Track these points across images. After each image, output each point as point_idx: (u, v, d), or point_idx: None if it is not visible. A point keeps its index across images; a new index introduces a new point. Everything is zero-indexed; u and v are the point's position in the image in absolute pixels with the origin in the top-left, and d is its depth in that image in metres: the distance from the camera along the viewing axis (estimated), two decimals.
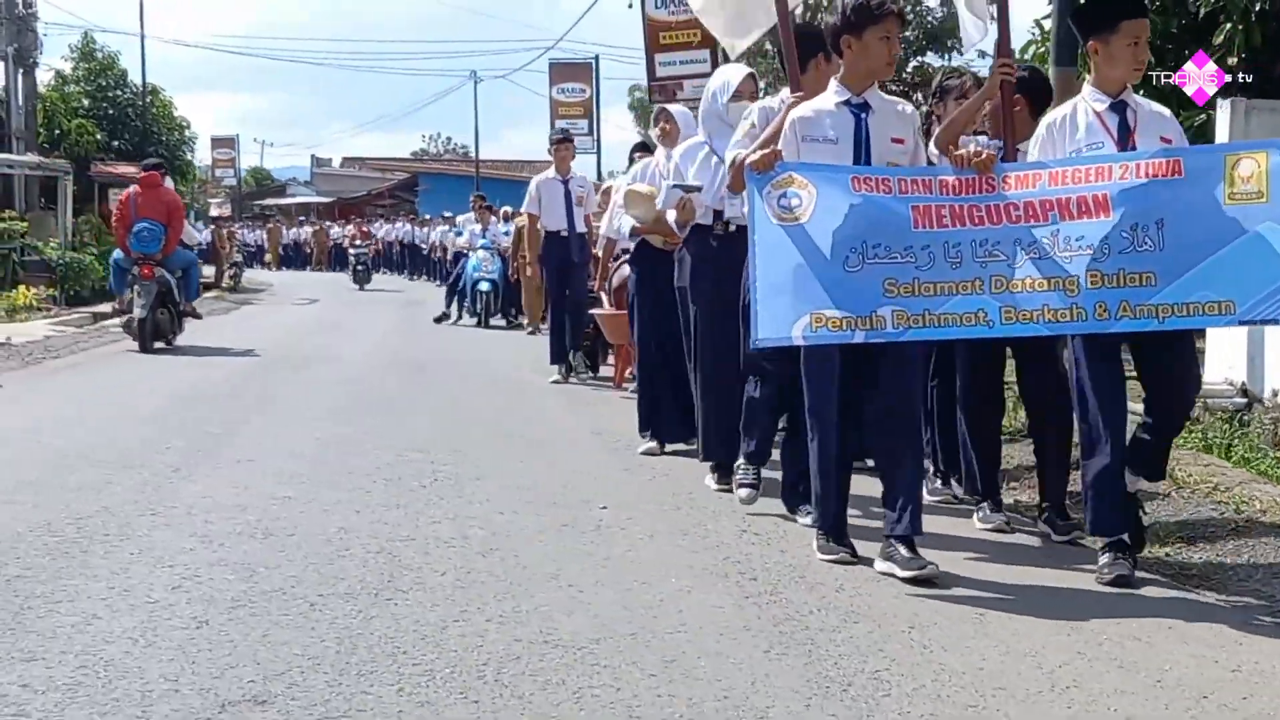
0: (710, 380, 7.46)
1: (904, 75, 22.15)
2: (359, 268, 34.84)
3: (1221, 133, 9.94)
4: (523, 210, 14.10)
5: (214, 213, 61.32)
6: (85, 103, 36.28)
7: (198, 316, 17.32)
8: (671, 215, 7.48)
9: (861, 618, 5.01)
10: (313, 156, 74.89)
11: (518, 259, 19.11)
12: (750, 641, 4.69)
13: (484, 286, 21.11)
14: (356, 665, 4.31)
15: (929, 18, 21.92)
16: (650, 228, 8.23)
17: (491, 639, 4.62)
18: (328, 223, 53.94)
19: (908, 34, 22.51)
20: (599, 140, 43.29)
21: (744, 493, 6.87)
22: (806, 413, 5.89)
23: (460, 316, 21.74)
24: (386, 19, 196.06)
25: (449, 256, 29.89)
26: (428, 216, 41.20)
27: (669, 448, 8.78)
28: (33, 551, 5.73)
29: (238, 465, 8.03)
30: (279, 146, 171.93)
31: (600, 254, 12.22)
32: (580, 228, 13.27)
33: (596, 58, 43.31)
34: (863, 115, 5.79)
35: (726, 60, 28.23)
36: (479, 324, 20.95)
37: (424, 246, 38.66)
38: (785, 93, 6.52)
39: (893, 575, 5.53)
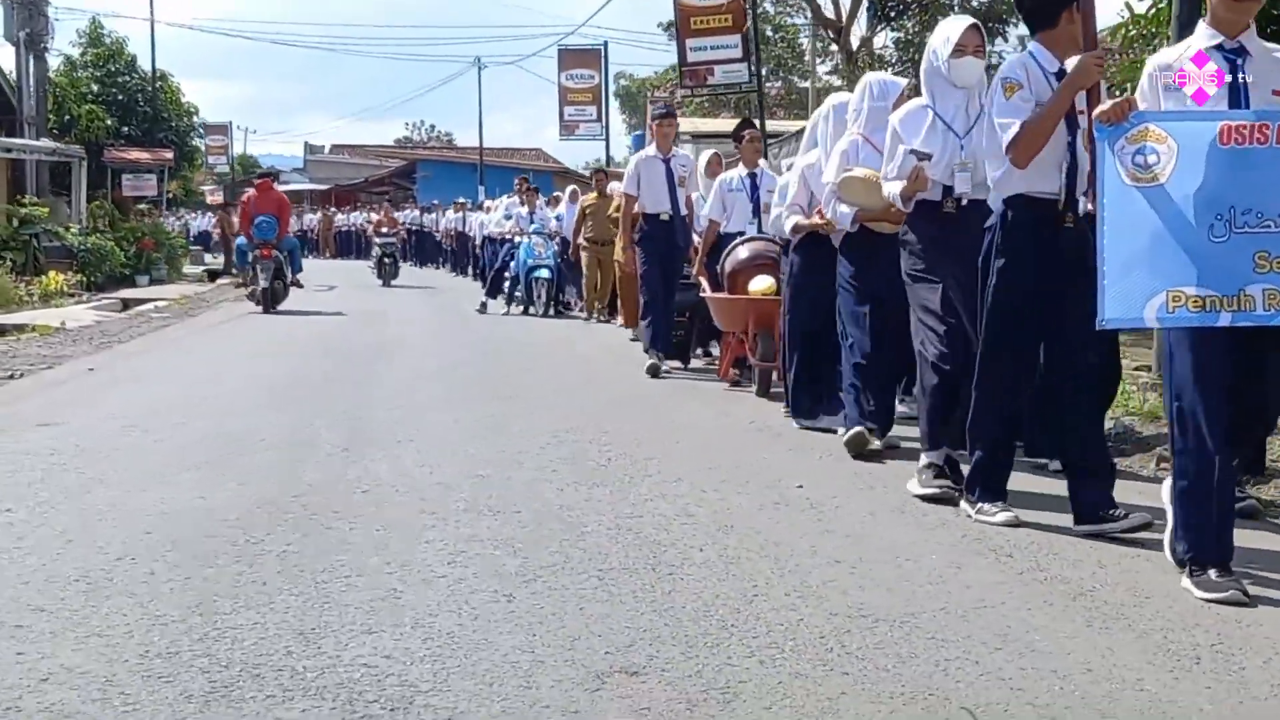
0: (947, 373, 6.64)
1: None
2: (386, 259, 29.82)
3: None
4: (621, 190, 13.21)
5: (209, 200, 61.13)
6: (94, 88, 35.97)
7: (300, 286, 21.37)
8: (896, 187, 6.79)
9: (1152, 594, 4.98)
10: (306, 144, 74.80)
11: (578, 242, 19.03)
12: (1063, 615, 4.67)
13: (543, 274, 20.25)
14: (698, 637, 4.27)
15: (974, 1, 21.67)
16: (878, 214, 7.58)
17: (807, 613, 4.58)
18: (332, 209, 53.68)
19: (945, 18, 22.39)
20: (607, 126, 43.27)
21: (1004, 516, 6.06)
22: (1180, 420, 5.08)
23: (509, 306, 20.92)
24: (376, 4, 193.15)
25: (476, 243, 29.71)
26: (435, 202, 41.00)
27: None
28: (279, 528, 5.68)
29: (400, 445, 7.96)
30: (263, 134, 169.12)
31: (701, 238, 12.07)
32: (684, 209, 12.49)
33: (605, 44, 43.30)
34: (1238, 61, 5.07)
35: (758, 44, 28.06)
36: (524, 312, 20.49)
37: (438, 234, 38.33)
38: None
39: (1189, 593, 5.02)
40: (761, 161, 11.83)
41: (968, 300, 6.43)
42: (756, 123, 14.05)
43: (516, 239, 20.95)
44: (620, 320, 17.41)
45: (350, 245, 49.76)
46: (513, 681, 3.82)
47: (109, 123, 34.12)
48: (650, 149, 12.68)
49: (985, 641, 4.32)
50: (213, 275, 33.34)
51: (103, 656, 3.95)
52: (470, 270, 33.30)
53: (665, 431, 8.84)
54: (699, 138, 39.13)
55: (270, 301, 19.81)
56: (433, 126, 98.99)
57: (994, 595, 4.91)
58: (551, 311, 20.43)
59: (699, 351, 13.56)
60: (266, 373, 12.01)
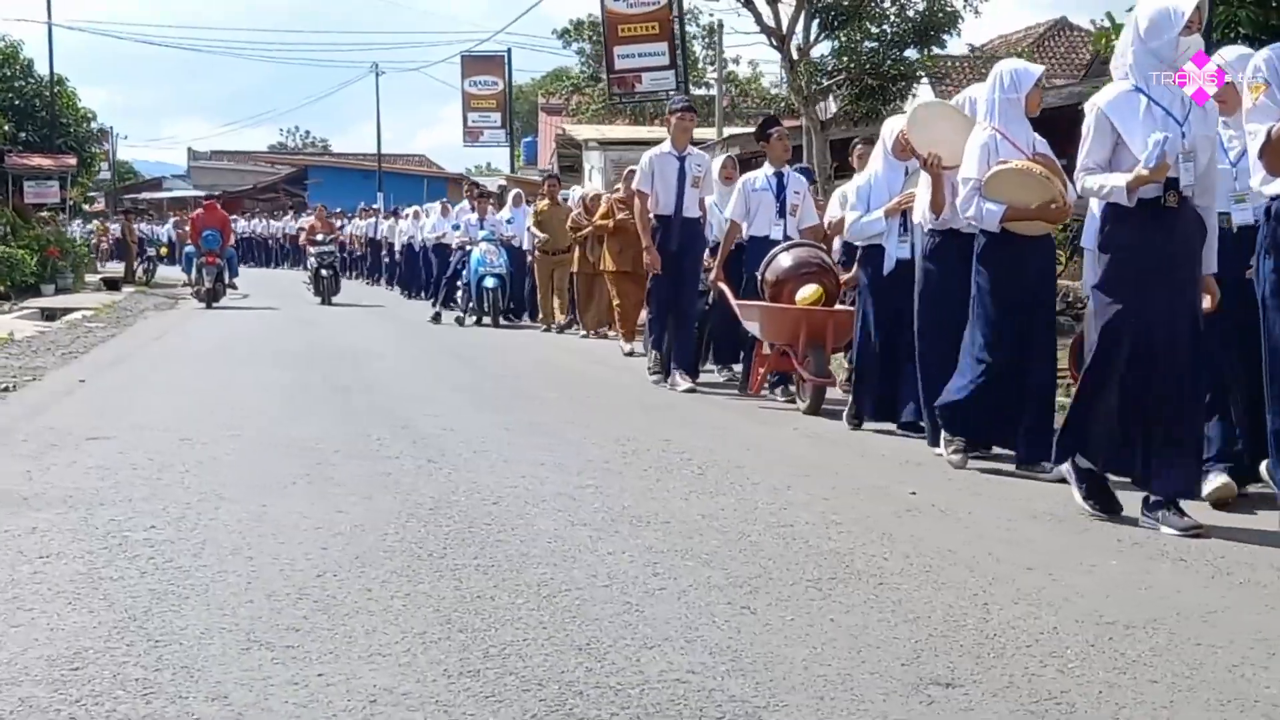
0: (1139, 390, 6.15)
1: (883, 69, 22.08)
2: (324, 272, 25.81)
3: None
4: (634, 187, 12.01)
5: (89, 208, 59.67)
6: None
7: (235, 288, 26.18)
8: (1120, 180, 5.98)
9: None
10: (189, 150, 73.31)
11: (537, 251, 18.82)
12: None
13: (490, 283, 19.50)
14: (974, 647, 4.23)
15: (911, 10, 21.80)
16: (1030, 213, 7.23)
17: (1054, 621, 4.54)
18: (234, 216, 52.63)
19: (886, 27, 22.48)
20: (511, 133, 43.04)
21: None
22: None
23: (464, 316, 20.30)
24: (245, 7, 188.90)
25: (397, 250, 29.38)
26: (339, 209, 40.46)
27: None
28: (452, 543, 5.55)
29: (478, 455, 7.81)
30: (134, 141, 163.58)
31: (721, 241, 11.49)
32: (692, 212, 11.49)
33: (509, 50, 43.13)
34: None
35: (685, 52, 28.00)
36: (477, 321, 19.91)
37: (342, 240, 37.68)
38: None
39: None
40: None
41: (1173, 315, 6.08)
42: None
43: (467, 246, 20.42)
44: (582, 330, 17.47)
45: (251, 251, 48.72)
46: (843, 695, 3.75)
47: (6, 129, 33.02)
48: (664, 145, 11.65)
49: (1252, 646, 4.32)
50: (110, 284, 32.23)
51: (407, 676, 3.82)
52: (384, 279, 32.74)
53: (726, 441, 8.75)
54: (605, 145, 39.09)
55: (211, 298, 24.07)
56: (308, 133, 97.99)
57: (1207, 601, 4.92)
58: (502, 320, 19.83)
59: (719, 367, 12.87)
60: (270, 380, 11.79)
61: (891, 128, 9.18)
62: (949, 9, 21.33)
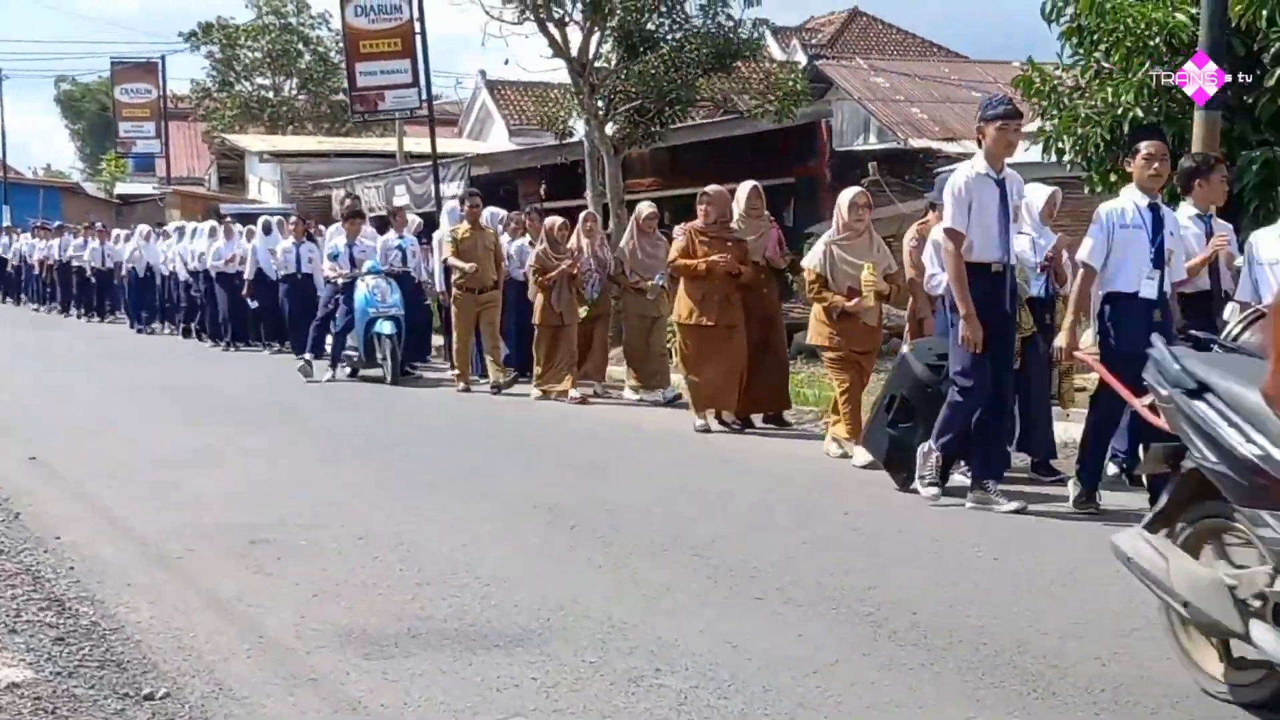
0: None
1: (666, 93, 20.94)
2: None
3: None
4: (946, 224, 8.43)
5: None
6: None
7: None
8: None
9: None
10: None
11: (454, 290, 15.29)
12: None
13: (386, 328, 15.41)
14: None
15: (697, 40, 20.83)
16: None
17: None
18: None
19: (675, 52, 21.41)
20: (167, 143, 41.24)
21: None
22: None
23: (334, 370, 16.16)
24: None
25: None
26: (7, 224, 37.61)
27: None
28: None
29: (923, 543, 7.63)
30: None
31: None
32: (1011, 256, 8.52)
33: (164, 57, 41.88)
34: None
35: (428, 69, 27.50)
36: (351, 374, 16.26)
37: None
38: None
39: None
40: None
41: None
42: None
43: (339, 280, 16.45)
44: (534, 389, 14.27)
45: None
46: None
47: None
48: (977, 163, 8.42)
49: None
50: None
51: None
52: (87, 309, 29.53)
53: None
54: (281, 157, 37.79)
55: None
56: None
57: None
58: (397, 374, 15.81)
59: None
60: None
61: None
62: (751, 36, 20.88)
